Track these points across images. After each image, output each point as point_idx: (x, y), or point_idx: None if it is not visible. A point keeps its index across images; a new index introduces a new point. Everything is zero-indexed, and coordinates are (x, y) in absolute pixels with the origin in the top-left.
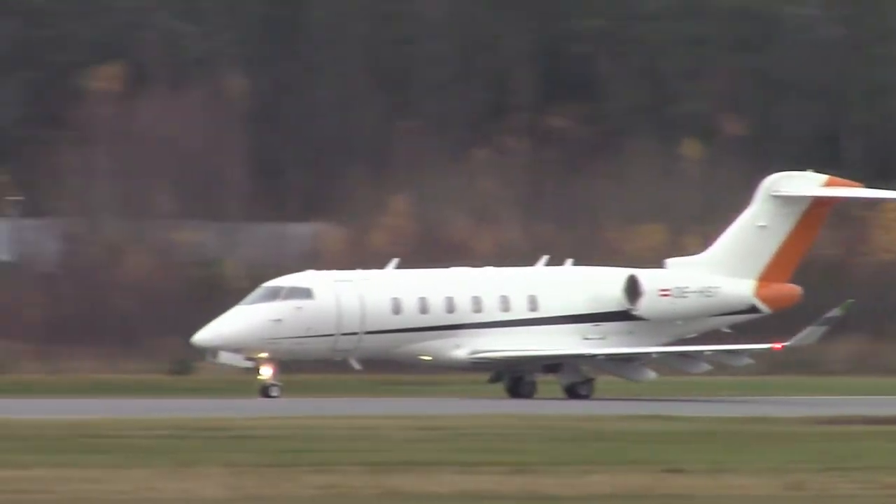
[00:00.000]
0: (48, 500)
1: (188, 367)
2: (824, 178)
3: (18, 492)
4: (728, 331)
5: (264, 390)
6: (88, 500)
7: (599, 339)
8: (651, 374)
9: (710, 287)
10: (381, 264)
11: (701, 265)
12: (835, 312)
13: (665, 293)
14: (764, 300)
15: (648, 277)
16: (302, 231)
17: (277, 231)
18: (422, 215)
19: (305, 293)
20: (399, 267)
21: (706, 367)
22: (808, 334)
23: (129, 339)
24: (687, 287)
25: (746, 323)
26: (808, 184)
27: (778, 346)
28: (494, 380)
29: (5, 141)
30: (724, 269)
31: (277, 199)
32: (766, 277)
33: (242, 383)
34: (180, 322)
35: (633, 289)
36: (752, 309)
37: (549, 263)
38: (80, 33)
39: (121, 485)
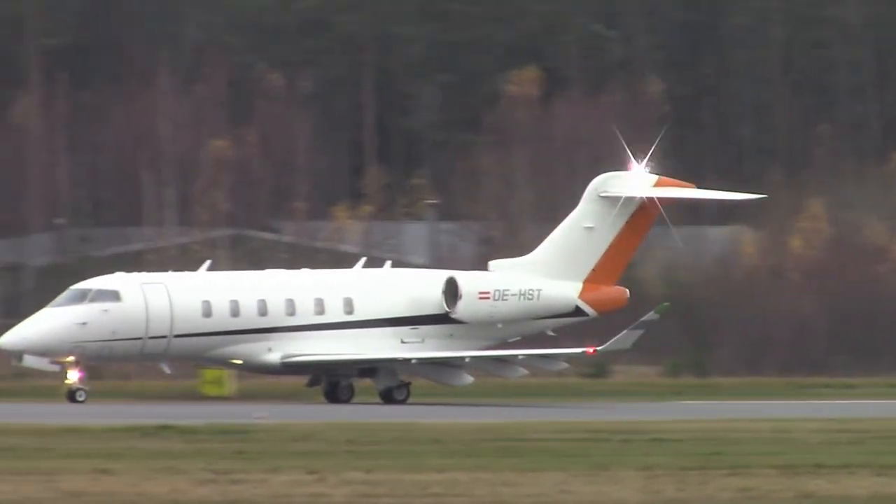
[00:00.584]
0: (465, 503)
1: (603, 370)
2: (654, 177)
3: (436, 495)
4: (552, 334)
5: (71, 395)
6: (504, 503)
7: (417, 342)
8: (468, 379)
9: (531, 289)
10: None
11: (525, 267)
12: (649, 316)
13: (484, 296)
14: (590, 303)
15: (467, 280)
16: (719, 234)
17: (695, 234)
18: (837, 219)
19: (113, 295)
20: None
21: (522, 371)
22: (622, 338)
23: None
24: (507, 290)
25: (576, 326)
26: (637, 184)
27: (591, 350)
28: (312, 384)
29: (422, 144)
30: (549, 271)
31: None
32: (593, 280)
33: None
34: None
35: (451, 291)
36: (578, 312)
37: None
38: (496, 37)
39: (535, 488)
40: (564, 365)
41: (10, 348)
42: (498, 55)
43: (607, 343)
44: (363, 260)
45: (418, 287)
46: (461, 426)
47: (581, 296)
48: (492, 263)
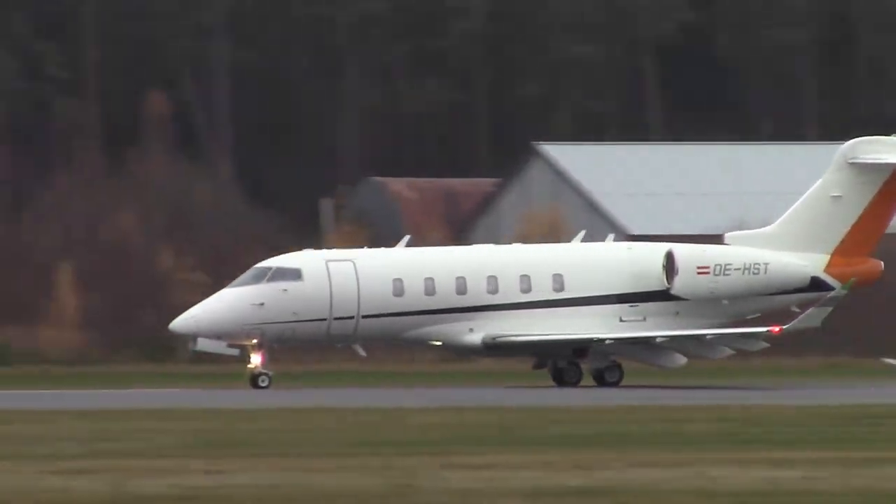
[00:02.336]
0: None
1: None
2: None
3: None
4: (797, 310)
5: (253, 380)
6: None
7: (638, 320)
8: (681, 360)
9: (757, 263)
10: None
11: (763, 239)
12: (837, 292)
13: (703, 270)
14: (837, 277)
15: (686, 253)
16: None
17: None
18: None
19: (294, 274)
20: None
21: (726, 351)
22: (809, 316)
23: None
24: (730, 264)
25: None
26: (894, 150)
27: (776, 329)
28: (538, 366)
29: None
30: (790, 243)
31: None
32: (842, 252)
33: None
34: None
35: (670, 266)
36: (821, 286)
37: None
38: None
39: None
40: (764, 344)
41: (183, 332)
42: None
43: (793, 321)
44: (583, 233)
45: (639, 262)
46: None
47: (827, 269)
48: (728, 235)
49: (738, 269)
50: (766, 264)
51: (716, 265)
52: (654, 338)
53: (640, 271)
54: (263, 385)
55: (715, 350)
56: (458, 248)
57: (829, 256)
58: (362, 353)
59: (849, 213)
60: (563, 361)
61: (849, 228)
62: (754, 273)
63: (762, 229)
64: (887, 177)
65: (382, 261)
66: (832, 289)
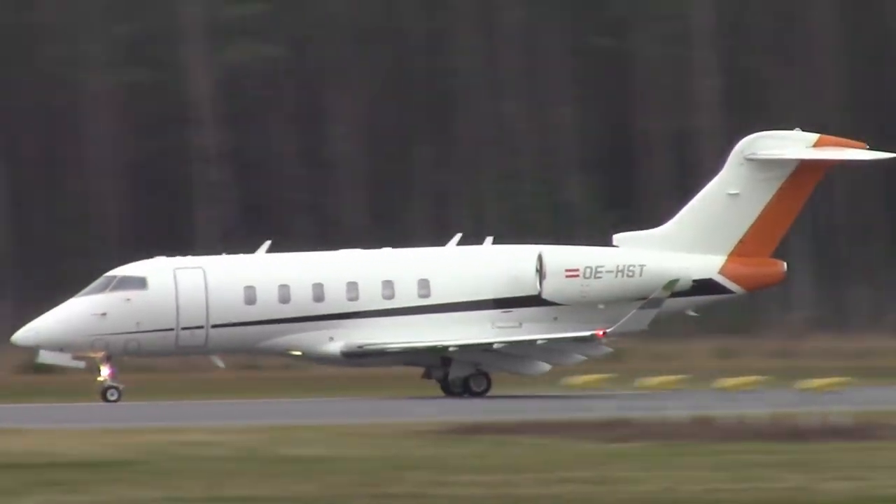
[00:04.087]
0: None
1: None
2: (814, 137)
3: None
4: (693, 314)
5: (103, 393)
6: None
7: (513, 326)
8: (543, 367)
9: (631, 265)
10: None
11: (654, 240)
12: (658, 293)
13: (572, 273)
14: (734, 278)
15: (554, 255)
16: None
17: None
18: None
19: (139, 283)
20: None
21: (575, 356)
22: (631, 319)
23: None
24: (601, 266)
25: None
26: (792, 144)
27: (600, 332)
28: (426, 376)
29: None
30: (683, 243)
31: None
32: (741, 253)
33: None
34: None
35: (540, 269)
36: (715, 288)
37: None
38: None
39: None
40: (606, 349)
41: (23, 343)
42: None
43: (617, 324)
44: (458, 236)
45: (515, 265)
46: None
47: (723, 271)
48: (617, 237)
49: (611, 271)
50: (641, 266)
51: (586, 268)
52: (492, 344)
53: (517, 275)
54: (112, 399)
55: (565, 356)
56: (315, 254)
57: (725, 257)
58: (220, 363)
59: (747, 212)
60: (464, 370)
61: (747, 228)
62: (628, 276)
63: (653, 230)
64: (789, 172)
65: (235, 268)
66: (729, 291)
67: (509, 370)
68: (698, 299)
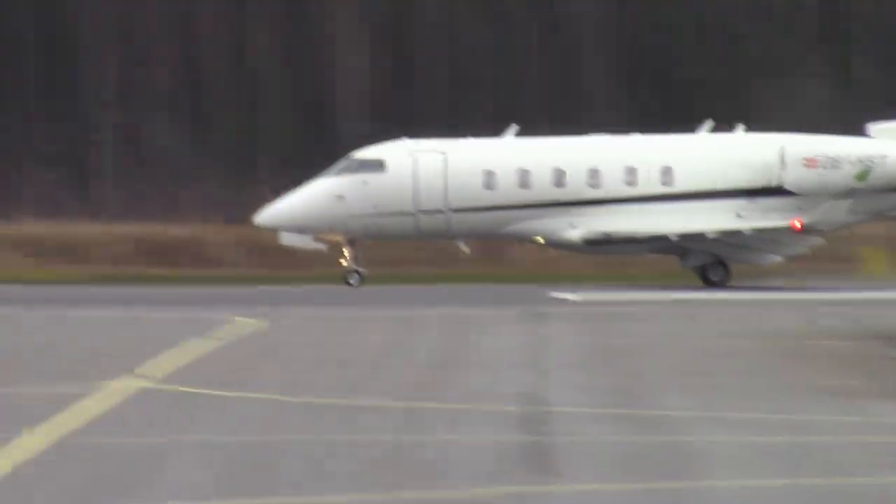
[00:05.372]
0: None
1: None
2: None
3: None
4: None
5: (344, 278)
6: None
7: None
8: (774, 257)
9: (871, 156)
10: None
11: None
12: (854, 182)
13: (810, 163)
14: None
15: (795, 145)
16: None
17: None
18: None
19: (376, 165)
20: None
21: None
22: (829, 209)
23: None
24: (842, 156)
25: None
26: None
27: (797, 224)
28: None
29: None
30: None
31: None
32: None
33: None
34: None
35: (781, 158)
36: None
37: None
38: None
39: None
40: (811, 241)
41: (266, 225)
42: None
43: (813, 215)
44: (708, 123)
45: (759, 154)
46: None
47: None
48: (873, 127)
49: (851, 162)
50: (883, 157)
51: (825, 158)
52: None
53: (758, 165)
54: (352, 283)
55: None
56: (558, 139)
57: None
58: (465, 248)
59: None
60: (702, 259)
61: None
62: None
63: None
64: None
65: (475, 152)
66: None
67: (745, 260)
68: None
